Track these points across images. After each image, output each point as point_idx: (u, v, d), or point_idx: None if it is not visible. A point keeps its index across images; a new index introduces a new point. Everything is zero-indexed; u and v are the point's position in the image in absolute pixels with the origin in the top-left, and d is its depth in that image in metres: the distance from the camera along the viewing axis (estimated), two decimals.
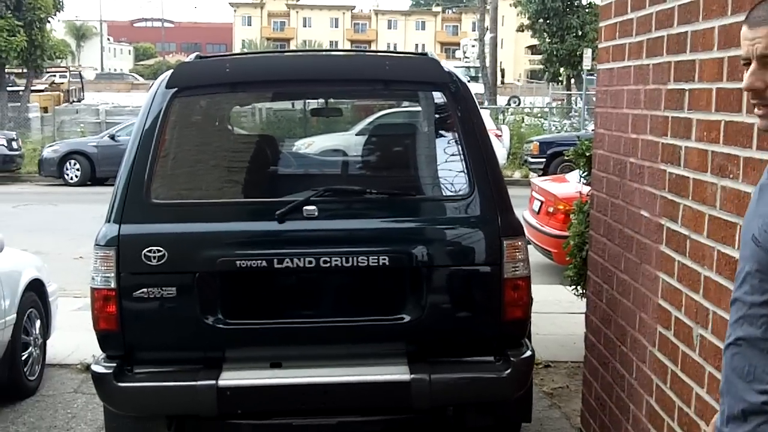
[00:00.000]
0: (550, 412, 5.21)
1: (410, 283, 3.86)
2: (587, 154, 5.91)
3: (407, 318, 3.82)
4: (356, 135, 9.53)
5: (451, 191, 3.98)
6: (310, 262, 3.72)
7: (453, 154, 3.94)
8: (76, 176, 19.86)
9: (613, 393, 4.17)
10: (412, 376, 3.68)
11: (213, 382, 3.65)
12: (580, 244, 5.92)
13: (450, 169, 3.96)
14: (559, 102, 37.68)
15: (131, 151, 3.86)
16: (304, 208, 3.78)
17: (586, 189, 6.32)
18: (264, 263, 3.72)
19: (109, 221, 3.79)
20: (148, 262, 3.70)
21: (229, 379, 3.70)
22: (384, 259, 3.74)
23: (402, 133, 4.58)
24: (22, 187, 20.13)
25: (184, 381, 3.70)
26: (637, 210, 3.87)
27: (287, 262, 3.71)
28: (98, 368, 3.78)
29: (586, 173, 6.13)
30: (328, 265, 3.73)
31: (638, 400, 3.78)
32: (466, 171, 3.88)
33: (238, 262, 3.72)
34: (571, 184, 10.41)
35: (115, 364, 3.74)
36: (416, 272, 3.82)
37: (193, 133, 4.25)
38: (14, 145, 21.38)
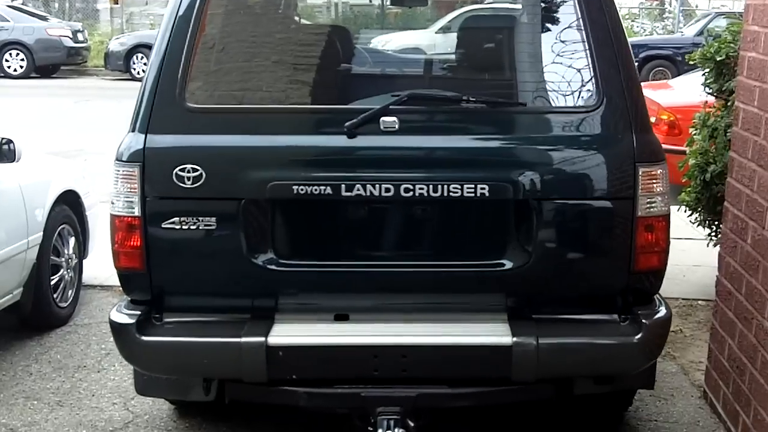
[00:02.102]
0: (663, 364, 4.39)
1: (514, 220, 3.06)
2: (717, 58, 4.96)
3: (509, 264, 3.03)
4: (438, 32, 8.59)
5: (572, 101, 3.12)
6: (387, 190, 2.94)
7: (574, 52, 3.07)
8: (144, 70, 19.23)
9: (758, 357, 3.36)
10: (515, 339, 2.92)
11: (262, 339, 2.93)
12: (702, 164, 5.03)
13: (570, 72, 3.08)
14: (652, 2, 35.59)
15: (162, 40, 3.07)
16: (382, 119, 2.98)
17: (711, 99, 5.42)
18: (328, 190, 2.95)
19: (133, 130, 3.04)
20: (182, 184, 2.96)
21: (283, 335, 2.98)
22: (483, 189, 2.94)
23: (502, 26, 3.60)
24: (87, 81, 19.57)
25: (225, 337, 2.99)
26: None
27: (358, 189, 2.94)
28: (118, 316, 3.04)
29: (712, 80, 5.18)
30: (411, 194, 2.94)
31: None
32: (591, 74, 3.02)
33: (294, 188, 2.95)
34: (675, 92, 9.40)
35: (139, 312, 3.03)
36: (523, 206, 3.01)
37: (244, 19, 3.41)
38: (80, 37, 20.80)
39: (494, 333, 2.98)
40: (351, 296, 3.12)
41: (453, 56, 3.80)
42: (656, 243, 3.01)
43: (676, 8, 25.38)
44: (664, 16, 29.14)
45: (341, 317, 3.10)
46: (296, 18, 3.92)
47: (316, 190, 2.95)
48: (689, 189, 5.27)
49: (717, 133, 5.00)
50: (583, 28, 3.06)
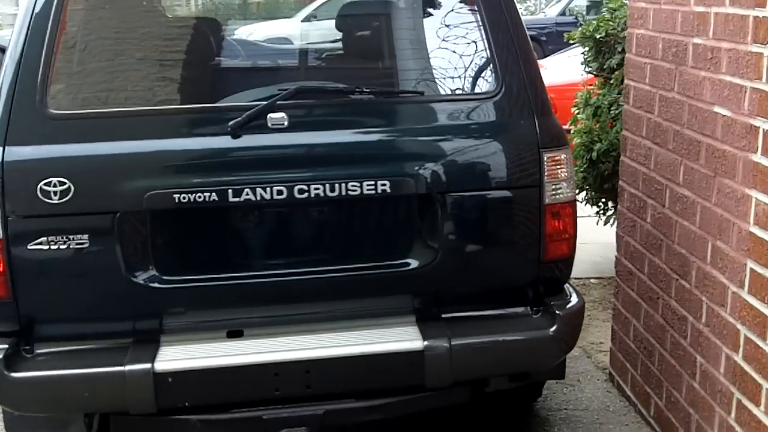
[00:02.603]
0: None
1: (418, 217, 2.90)
2: (597, 36, 4.94)
3: (415, 263, 2.87)
4: (304, 21, 8.29)
5: (471, 88, 2.97)
6: (279, 193, 2.72)
7: (470, 37, 2.93)
8: None
9: (667, 338, 3.32)
10: (426, 342, 2.75)
11: (148, 365, 2.66)
12: (588, 143, 5.01)
13: (467, 58, 2.94)
14: None
15: (18, 41, 2.74)
16: (269, 115, 2.75)
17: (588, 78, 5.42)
18: (214, 196, 2.69)
19: None
20: (48, 200, 2.65)
21: (171, 359, 2.71)
22: (384, 185, 2.75)
23: (391, 12, 3.34)
24: None
25: (106, 366, 2.69)
26: (707, 106, 2.95)
27: (247, 194, 2.70)
28: None
29: (592, 59, 5.16)
30: (306, 195, 2.73)
31: (713, 354, 2.94)
32: (489, 59, 2.88)
33: (175, 196, 2.69)
34: (548, 71, 9.46)
35: (6, 346, 2.69)
36: (426, 201, 2.84)
37: (108, 14, 3.08)
38: None
39: (403, 338, 2.80)
40: (244, 310, 2.87)
41: (336, 45, 3.58)
42: (564, 230, 2.90)
43: None
44: None
45: (235, 334, 2.85)
46: (162, 11, 3.62)
47: (200, 197, 2.69)
48: (575, 168, 5.24)
49: (600, 111, 4.99)
50: (478, 11, 2.91)
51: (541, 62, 11.14)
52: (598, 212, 5.35)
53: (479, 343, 2.81)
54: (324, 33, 3.56)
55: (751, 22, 2.64)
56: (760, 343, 2.62)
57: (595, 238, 5.66)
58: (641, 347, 3.59)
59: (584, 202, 5.42)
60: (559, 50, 11.22)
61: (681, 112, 3.16)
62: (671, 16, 3.22)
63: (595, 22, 5.01)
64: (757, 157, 2.62)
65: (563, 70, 8.82)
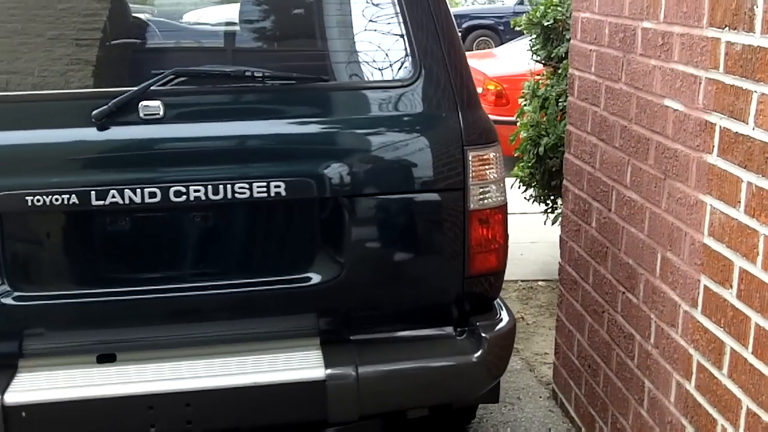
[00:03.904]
0: None
1: (321, 224, 2.51)
2: (545, 23, 4.59)
3: (317, 278, 2.49)
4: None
5: (383, 74, 2.57)
6: (152, 195, 2.32)
7: (383, 16, 2.54)
8: None
9: (613, 357, 2.98)
10: (329, 371, 2.37)
11: None
12: (535, 137, 4.66)
13: (379, 39, 2.55)
14: None
15: None
16: (141, 104, 2.36)
17: (539, 67, 5.07)
18: (74, 199, 2.30)
19: None
20: None
21: (25, 389, 2.31)
22: (278, 187, 2.37)
23: None
24: None
25: None
26: (657, 99, 2.61)
27: (113, 197, 2.31)
28: None
29: (539, 47, 4.81)
30: (184, 198, 2.34)
31: (663, 380, 2.60)
32: (405, 40, 2.50)
33: (28, 198, 2.29)
34: (500, 61, 9.13)
35: None
36: (330, 206, 2.46)
37: None
38: None
39: (303, 365, 2.43)
40: (117, 331, 2.48)
41: (236, 26, 3.15)
42: (493, 239, 2.54)
43: None
44: None
45: (106, 358, 2.45)
46: None
47: (57, 199, 2.29)
48: (522, 163, 4.91)
49: (548, 103, 4.65)
50: None
51: (493, 51, 10.87)
52: (545, 211, 5.02)
53: (393, 371, 2.44)
54: (234, 11, 3.10)
55: (707, 2, 2.29)
56: (716, 373, 2.29)
57: (544, 236, 5.35)
58: (586, 365, 3.25)
59: (532, 200, 5.10)
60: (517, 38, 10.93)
61: (629, 106, 2.81)
62: None
63: (542, 6, 4.65)
64: (713, 159, 2.28)
65: (516, 59, 8.48)
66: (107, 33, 2.93)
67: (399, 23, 2.50)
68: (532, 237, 5.75)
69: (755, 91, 2.07)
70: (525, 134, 4.74)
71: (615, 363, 2.96)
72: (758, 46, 2.05)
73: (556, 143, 4.53)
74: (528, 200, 5.13)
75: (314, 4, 2.79)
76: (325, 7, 2.76)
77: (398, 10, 2.51)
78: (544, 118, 4.68)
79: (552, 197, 4.92)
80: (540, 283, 5.14)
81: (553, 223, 4.98)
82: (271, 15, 2.88)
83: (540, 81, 4.88)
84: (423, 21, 2.49)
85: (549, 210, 5.00)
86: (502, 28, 16.91)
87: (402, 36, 2.50)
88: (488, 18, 18.22)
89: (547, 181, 4.75)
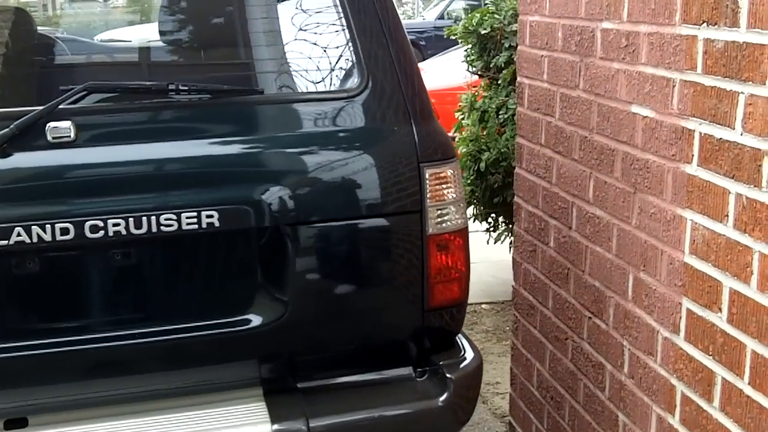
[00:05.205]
0: None
1: (261, 258, 2.21)
2: (481, 31, 4.37)
3: (258, 320, 2.18)
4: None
5: (327, 85, 2.30)
6: (64, 232, 2.01)
7: (325, 21, 2.27)
8: None
9: (579, 387, 2.74)
10: (276, 426, 2.08)
11: None
12: (475, 152, 4.44)
13: (322, 47, 2.27)
14: None
15: None
16: (49, 125, 2.04)
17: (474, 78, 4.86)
18: None
19: None
20: None
21: None
22: (210, 217, 2.07)
23: None
24: None
25: None
26: (622, 106, 2.39)
27: (18, 235, 1.99)
28: None
29: (475, 57, 4.60)
30: (102, 234, 2.02)
31: (640, 413, 2.36)
32: (350, 46, 2.23)
33: None
34: (427, 75, 8.93)
35: None
36: (271, 237, 2.16)
37: None
38: None
39: (244, 421, 2.12)
40: (28, 391, 2.14)
41: (155, 39, 2.83)
42: (454, 266, 2.28)
43: None
44: (403, 1, 29.44)
45: (15, 423, 2.11)
46: None
47: None
48: (462, 180, 4.67)
49: (488, 116, 4.43)
50: None
51: (420, 65, 10.71)
52: (488, 229, 4.80)
53: (348, 423, 2.15)
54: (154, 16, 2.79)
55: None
56: (705, 405, 2.06)
57: (485, 256, 5.11)
58: (547, 396, 3.00)
59: (473, 218, 4.87)
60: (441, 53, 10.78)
61: (588, 114, 2.59)
62: None
63: (478, 15, 4.44)
64: (692, 169, 2.06)
65: (444, 73, 8.31)
66: (9, 48, 2.61)
67: (342, 27, 2.23)
68: (473, 257, 5.50)
69: (742, 93, 1.86)
70: (464, 149, 4.51)
71: (582, 394, 2.72)
72: (744, 42, 1.84)
73: (498, 158, 4.33)
74: (468, 218, 4.90)
75: (259, 11, 2.50)
76: (268, 14, 2.47)
77: (341, 11, 2.24)
78: (484, 132, 4.47)
79: (494, 215, 4.70)
80: (483, 306, 4.91)
81: (495, 242, 4.77)
82: (193, 24, 2.58)
83: (476, 93, 4.67)
84: (369, 23, 2.22)
85: (491, 228, 4.78)
86: (423, 43, 16.79)
87: (347, 41, 2.23)
88: (410, 33, 18.08)
89: (489, 198, 4.54)
